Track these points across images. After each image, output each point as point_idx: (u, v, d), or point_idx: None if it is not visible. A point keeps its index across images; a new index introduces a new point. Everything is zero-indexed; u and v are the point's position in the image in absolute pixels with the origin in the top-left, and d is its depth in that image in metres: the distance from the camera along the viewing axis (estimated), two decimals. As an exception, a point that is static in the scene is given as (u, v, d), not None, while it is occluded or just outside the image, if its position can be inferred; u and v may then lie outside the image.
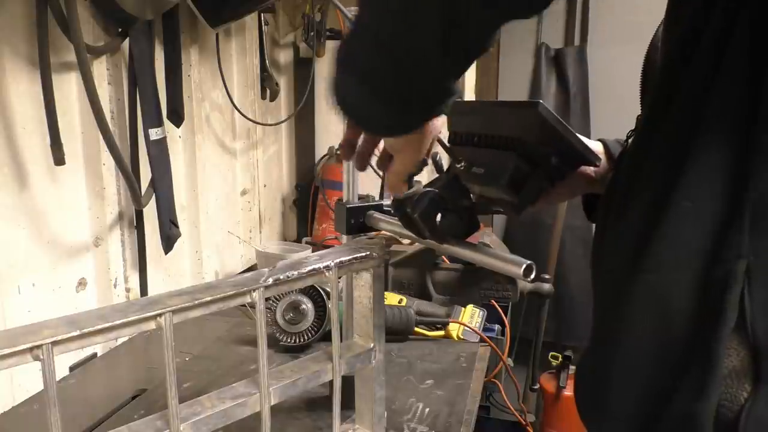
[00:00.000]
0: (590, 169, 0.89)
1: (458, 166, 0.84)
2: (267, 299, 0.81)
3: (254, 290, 0.78)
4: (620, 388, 0.63)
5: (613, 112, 0.79)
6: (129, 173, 1.42)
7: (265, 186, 2.41)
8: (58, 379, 0.67)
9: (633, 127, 0.80)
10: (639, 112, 0.78)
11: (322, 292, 1.43)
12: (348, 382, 0.98)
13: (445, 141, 0.88)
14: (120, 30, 1.47)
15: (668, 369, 0.58)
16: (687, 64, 0.61)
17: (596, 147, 0.91)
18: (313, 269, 0.84)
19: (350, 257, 0.89)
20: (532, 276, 0.74)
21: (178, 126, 1.70)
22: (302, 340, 1.43)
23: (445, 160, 0.87)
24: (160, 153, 1.56)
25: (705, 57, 0.59)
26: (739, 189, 0.55)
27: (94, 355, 1.49)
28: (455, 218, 0.83)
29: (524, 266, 0.74)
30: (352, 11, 1.08)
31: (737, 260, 0.54)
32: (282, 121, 2.48)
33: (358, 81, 0.68)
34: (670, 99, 0.62)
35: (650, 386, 0.60)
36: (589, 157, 0.85)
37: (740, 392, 0.54)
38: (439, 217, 0.82)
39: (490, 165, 0.81)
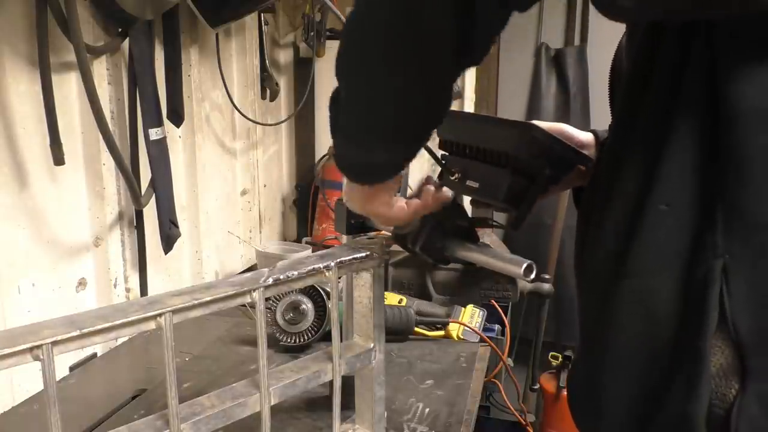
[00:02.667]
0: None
1: (452, 178, 0.85)
2: (267, 299, 0.81)
3: (254, 290, 0.78)
4: (612, 391, 0.64)
5: (613, 112, 0.80)
6: (129, 173, 1.42)
7: (265, 186, 2.41)
8: (58, 379, 0.67)
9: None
10: None
11: (322, 292, 1.43)
12: (348, 382, 0.98)
13: (435, 150, 0.88)
14: (120, 30, 1.47)
15: (658, 371, 0.59)
16: (652, 70, 0.62)
17: (587, 138, 0.91)
18: (313, 269, 0.84)
19: (350, 257, 0.89)
20: (532, 276, 0.75)
21: (178, 126, 1.70)
22: (302, 340, 1.43)
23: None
24: (159, 153, 1.56)
25: (668, 68, 0.60)
26: (710, 193, 0.56)
27: (94, 355, 1.49)
28: (456, 239, 0.83)
29: (524, 266, 0.74)
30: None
31: (714, 260, 0.55)
32: (282, 121, 2.48)
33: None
34: (638, 107, 0.63)
35: (642, 388, 0.61)
36: (582, 160, 0.85)
37: (729, 390, 0.55)
38: (440, 243, 0.83)
39: (485, 179, 0.82)
